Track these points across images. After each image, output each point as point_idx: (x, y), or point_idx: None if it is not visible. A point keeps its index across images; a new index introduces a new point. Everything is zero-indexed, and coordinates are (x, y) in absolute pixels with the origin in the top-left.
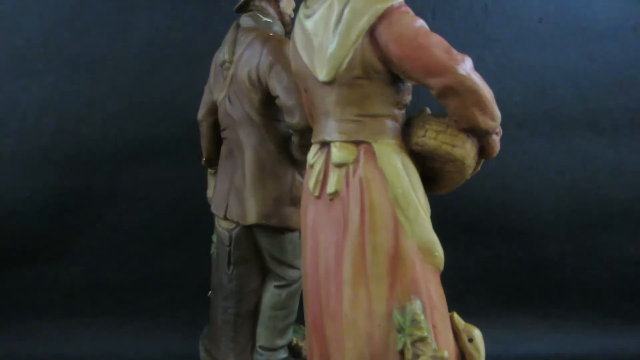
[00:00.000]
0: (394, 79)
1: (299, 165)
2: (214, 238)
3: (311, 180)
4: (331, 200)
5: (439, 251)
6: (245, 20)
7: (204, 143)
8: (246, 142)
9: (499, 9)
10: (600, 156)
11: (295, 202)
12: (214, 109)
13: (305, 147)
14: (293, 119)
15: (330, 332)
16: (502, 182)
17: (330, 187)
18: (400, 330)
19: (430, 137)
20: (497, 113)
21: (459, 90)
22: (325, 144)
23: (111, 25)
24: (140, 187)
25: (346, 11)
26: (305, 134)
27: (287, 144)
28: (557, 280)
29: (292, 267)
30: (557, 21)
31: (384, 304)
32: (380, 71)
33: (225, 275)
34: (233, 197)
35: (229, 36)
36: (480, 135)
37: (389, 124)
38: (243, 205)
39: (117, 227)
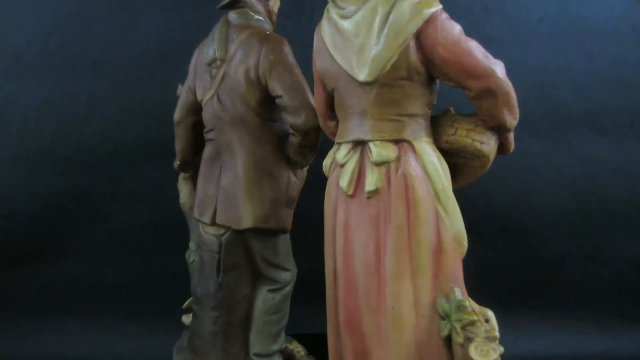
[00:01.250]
0: (430, 80)
1: (294, 165)
2: (193, 246)
3: (344, 179)
4: (369, 198)
5: (466, 240)
6: (235, 17)
7: (181, 145)
8: (239, 143)
9: (499, 9)
10: (600, 156)
11: (290, 203)
12: (194, 110)
13: (306, 148)
14: (298, 119)
15: (372, 328)
16: (502, 182)
17: (370, 185)
18: (445, 317)
19: (461, 135)
20: (518, 112)
21: (497, 92)
22: (359, 143)
23: (111, 25)
24: (140, 187)
25: (392, 14)
26: (310, 134)
27: (283, 145)
28: (557, 280)
29: (285, 269)
30: (557, 21)
31: (428, 294)
32: (421, 73)
33: (213, 284)
34: (222, 201)
35: (217, 33)
36: (501, 132)
37: (423, 123)
38: (237, 209)
39: (117, 227)
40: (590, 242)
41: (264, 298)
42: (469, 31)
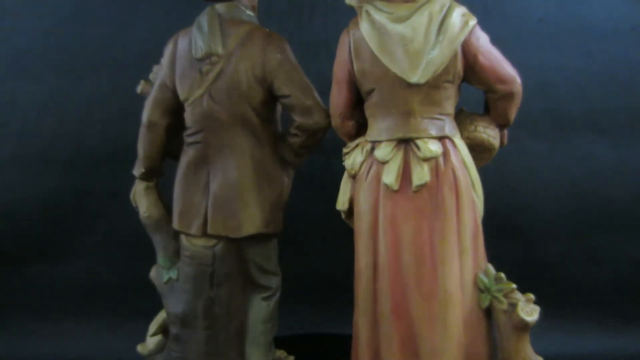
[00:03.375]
0: (461, 83)
1: (286, 166)
2: (165, 262)
3: (389, 176)
4: (415, 192)
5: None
6: (225, 10)
7: (151, 150)
8: (233, 145)
9: (499, 9)
10: (600, 156)
11: (284, 205)
12: (172, 110)
13: (306, 149)
14: (309, 119)
15: (423, 312)
16: (502, 182)
17: (419, 180)
18: (485, 290)
19: (480, 131)
20: None
21: (516, 95)
22: (403, 141)
23: (111, 25)
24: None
25: (447, 23)
26: (317, 135)
27: (278, 145)
28: (557, 280)
29: (275, 274)
30: (557, 21)
31: (470, 272)
32: (460, 77)
33: (203, 300)
34: (215, 209)
35: (207, 27)
36: (503, 128)
37: (454, 121)
38: (235, 216)
39: (117, 227)
40: (590, 242)
41: (258, 307)
42: None
